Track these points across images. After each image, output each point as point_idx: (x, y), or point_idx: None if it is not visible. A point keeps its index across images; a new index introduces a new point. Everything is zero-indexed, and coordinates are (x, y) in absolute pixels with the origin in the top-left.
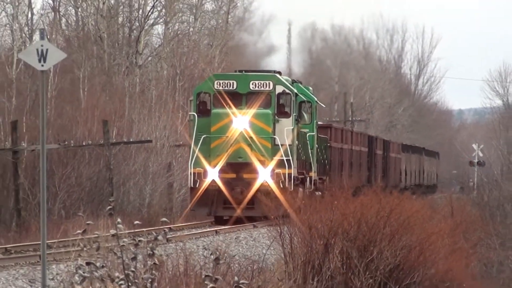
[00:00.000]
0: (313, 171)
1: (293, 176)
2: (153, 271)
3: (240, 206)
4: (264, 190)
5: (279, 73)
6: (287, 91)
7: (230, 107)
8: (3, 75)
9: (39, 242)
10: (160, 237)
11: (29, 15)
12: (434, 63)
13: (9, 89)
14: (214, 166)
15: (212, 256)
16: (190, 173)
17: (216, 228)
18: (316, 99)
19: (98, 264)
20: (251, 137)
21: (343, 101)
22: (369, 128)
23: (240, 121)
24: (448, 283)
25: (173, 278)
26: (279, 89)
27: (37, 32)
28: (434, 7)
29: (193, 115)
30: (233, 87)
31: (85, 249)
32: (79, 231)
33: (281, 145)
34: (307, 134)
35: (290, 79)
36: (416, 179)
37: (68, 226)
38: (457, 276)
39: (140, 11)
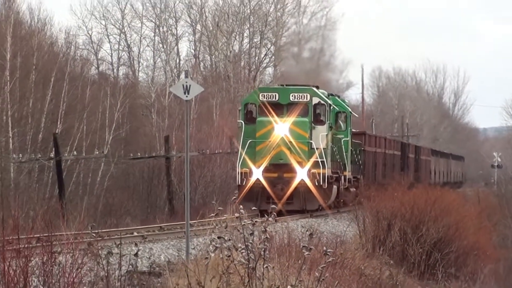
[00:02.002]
0: (347, 171)
1: (327, 175)
2: (266, 243)
3: (281, 201)
4: (301, 187)
5: (317, 87)
6: (322, 102)
7: (272, 115)
8: (159, 103)
9: (184, 222)
10: (270, 219)
11: (177, 60)
12: (466, 95)
13: (163, 113)
14: (259, 167)
15: (307, 232)
16: (238, 172)
17: (310, 213)
18: (350, 110)
19: (226, 238)
20: (290, 142)
21: (401, 122)
22: (419, 141)
23: (281, 128)
24: (476, 251)
25: (280, 248)
26: (315, 100)
27: (183, 73)
28: (467, 53)
29: (241, 122)
30: (275, 99)
31: (216, 227)
32: (212, 214)
33: (317, 148)
34: (342, 139)
35: (326, 92)
36: (444, 177)
37: (205, 211)
38: (482, 246)
39: (256, 57)
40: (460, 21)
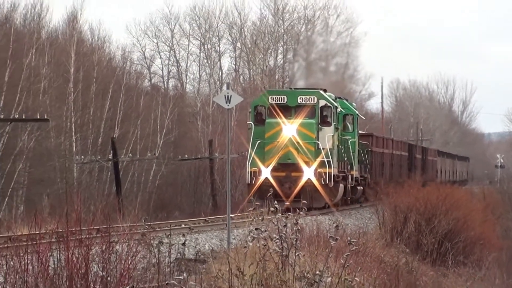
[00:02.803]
0: (354, 170)
1: (333, 174)
2: (297, 234)
3: (289, 199)
4: (308, 186)
5: (325, 90)
6: (329, 104)
7: (281, 117)
8: (204, 111)
9: (226, 215)
10: (301, 213)
11: (220, 74)
12: (473, 104)
13: (207, 120)
14: (267, 166)
15: (334, 224)
16: (248, 171)
17: (337, 208)
18: (357, 112)
19: (262, 229)
20: (298, 142)
21: (416, 128)
22: (432, 145)
23: (289, 129)
24: (481, 241)
25: (310, 238)
26: (322, 102)
27: (225, 84)
28: (475, 66)
29: (251, 124)
30: (284, 101)
31: (254, 220)
32: (251, 209)
33: (323, 148)
34: (349, 140)
35: (333, 95)
36: (449, 176)
37: (244, 206)
38: (487, 237)
39: (289, 71)
40: (469, 39)
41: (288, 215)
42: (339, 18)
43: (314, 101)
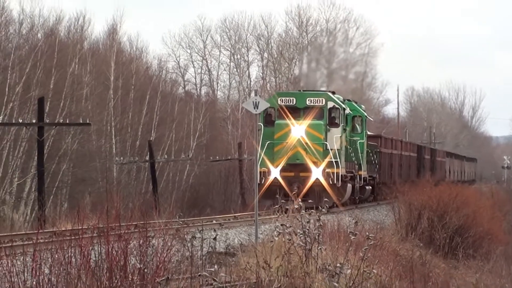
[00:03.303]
0: (362, 170)
1: (341, 175)
2: (319, 229)
3: (298, 199)
4: (316, 186)
5: (333, 92)
6: (337, 106)
7: (290, 118)
8: (234, 116)
9: (254, 212)
10: (323, 210)
11: (248, 82)
12: (482, 109)
13: (237, 124)
14: (277, 166)
15: (353, 220)
16: (257, 172)
17: (356, 205)
18: (366, 114)
19: (287, 225)
20: (306, 143)
21: (429, 132)
22: (444, 147)
23: (298, 130)
24: (489, 236)
25: (331, 233)
26: (330, 104)
27: (253, 91)
28: (483, 73)
29: (260, 125)
30: (293, 103)
31: (280, 216)
32: (276, 206)
33: (331, 149)
34: (358, 141)
35: (341, 97)
36: (458, 176)
37: (271, 203)
38: (495, 232)
39: (312, 79)
40: (478, 49)
41: (311, 212)
42: (359, 30)
43: (322, 103)
